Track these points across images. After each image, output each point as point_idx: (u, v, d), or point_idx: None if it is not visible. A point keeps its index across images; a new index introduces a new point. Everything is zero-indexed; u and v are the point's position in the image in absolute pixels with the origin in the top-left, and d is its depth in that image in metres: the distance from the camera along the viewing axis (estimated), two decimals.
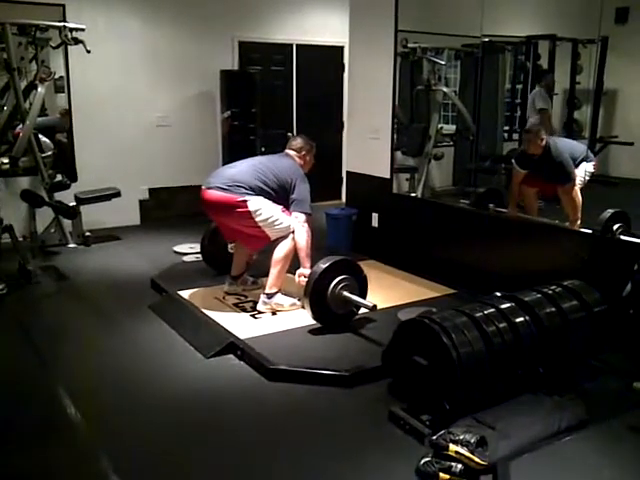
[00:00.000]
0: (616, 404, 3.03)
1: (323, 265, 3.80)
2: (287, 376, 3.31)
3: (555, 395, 2.96)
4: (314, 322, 3.93)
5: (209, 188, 4.08)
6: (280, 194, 4.11)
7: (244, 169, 4.12)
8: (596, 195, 4.38)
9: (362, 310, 3.92)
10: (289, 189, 4.13)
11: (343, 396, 3.17)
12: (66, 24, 5.48)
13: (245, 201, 3.96)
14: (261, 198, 4.01)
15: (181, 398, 3.18)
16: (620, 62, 4.38)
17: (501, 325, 2.94)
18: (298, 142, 4.38)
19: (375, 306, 3.76)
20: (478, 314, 2.95)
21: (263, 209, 4.00)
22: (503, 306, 3.07)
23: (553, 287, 3.31)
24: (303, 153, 4.35)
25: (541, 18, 4.97)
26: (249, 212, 3.98)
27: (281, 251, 4.10)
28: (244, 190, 3.99)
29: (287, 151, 4.36)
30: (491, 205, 4.75)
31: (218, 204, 4.05)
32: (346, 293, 3.81)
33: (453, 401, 2.74)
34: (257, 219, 4.00)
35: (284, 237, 4.10)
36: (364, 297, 3.93)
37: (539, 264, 4.11)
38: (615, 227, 3.84)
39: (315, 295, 3.77)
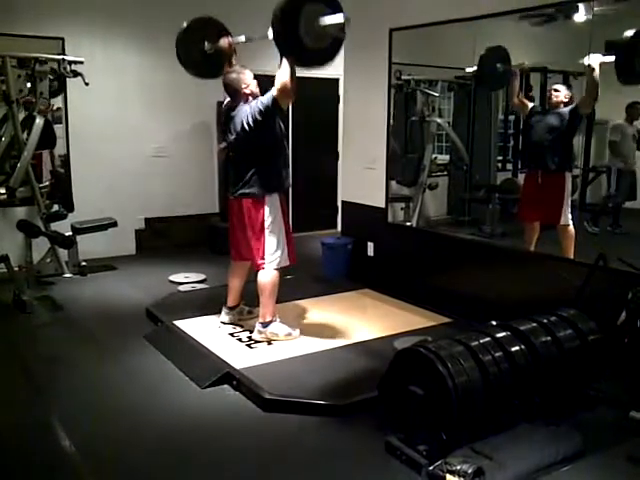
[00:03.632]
0: (613, 434, 3.02)
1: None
2: (283, 407, 3.29)
3: (552, 425, 2.94)
4: (309, 351, 3.93)
5: None
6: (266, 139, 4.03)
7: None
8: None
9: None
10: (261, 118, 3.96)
11: (339, 426, 3.16)
12: (65, 57, 5.55)
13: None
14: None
15: (176, 430, 3.15)
16: (611, 94, 4.45)
17: (497, 354, 2.94)
18: (231, 79, 4.11)
19: (348, 17, 3.48)
20: (474, 343, 2.95)
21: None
22: (499, 335, 3.06)
23: (548, 316, 3.31)
24: (243, 87, 4.10)
25: (533, 51, 5.06)
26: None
27: (265, 276, 4.12)
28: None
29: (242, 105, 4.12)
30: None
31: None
32: (320, 21, 3.51)
33: (450, 431, 2.73)
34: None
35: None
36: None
37: (534, 293, 4.13)
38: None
39: (284, 28, 3.48)
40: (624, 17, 3.97)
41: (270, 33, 3.60)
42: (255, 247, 4.12)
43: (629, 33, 3.75)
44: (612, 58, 3.80)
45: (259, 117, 3.95)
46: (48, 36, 5.99)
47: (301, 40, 3.53)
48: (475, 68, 5.03)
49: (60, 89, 6.00)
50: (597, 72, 4.06)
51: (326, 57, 3.74)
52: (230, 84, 4.13)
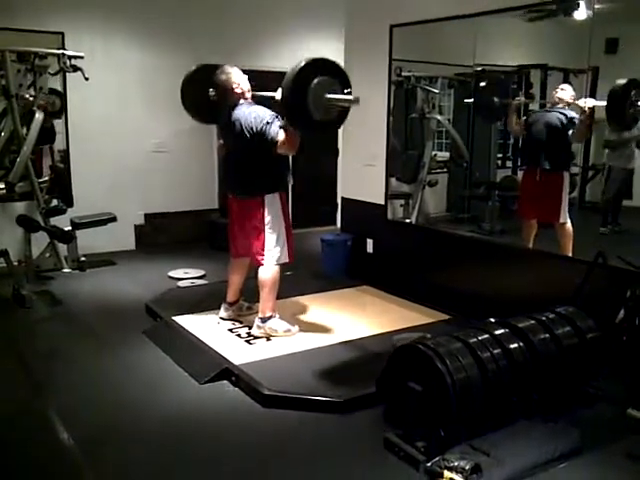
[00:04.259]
0: (611, 431, 3.02)
1: (298, 67, 3.53)
2: (281, 402, 3.30)
3: (550, 422, 2.95)
4: (308, 347, 3.93)
5: None
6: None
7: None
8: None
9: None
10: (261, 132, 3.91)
11: (337, 422, 3.16)
12: (65, 52, 5.54)
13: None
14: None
15: (175, 425, 3.16)
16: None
17: (495, 351, 2.94)
18: (220, 81, 4.08)
19: (358, 98, 3.55)
20: (472, 340, 2.96)
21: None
22: (497, 332, 3.07)
23: (547, 313, 3.32)
24: (234, 86, 4.08)
25: (533, 48, 5.05)
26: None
27: (265, 272, 4.12)
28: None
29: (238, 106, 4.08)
30: None
31: None
32: (329, 95, 3.56)
33: (448, 427, 2.73)
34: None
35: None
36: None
37: (533, 290, 4.13)
38: None
39: (294, 99, 3.52)
40: (624, 13, 3.98)
41: (278, 94, 3.70)
42: (254, 244, 4.12)
43: (621, 82, 3.88)
44: (604, 103, 3.94)
45: (254, 133, 3.92)
46: (48, 31, 5.98)
47: (309, 113, 3.56)
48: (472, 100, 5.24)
49: (61, 111, 6.02)
50: (590, 113, 4.20)
51: (331, 127, 3.83)
52: (220, 85, 4.10)
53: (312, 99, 3.53)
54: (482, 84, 5.04)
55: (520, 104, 5.03)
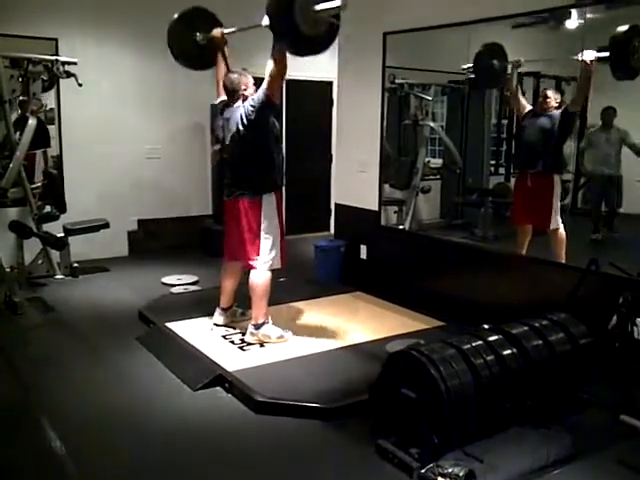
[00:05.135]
0: (604, 437, 3.03)
1: None
2: (274, 409, 3.29)
3: (543, 428, 2.95)
4: (302, 354, 3.93)
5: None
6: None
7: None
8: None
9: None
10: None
11: (331, 429, 3.16)
12: (58, 58, 5.53)
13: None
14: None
15: (167, 432, 3.15)
16: (603, 99, 4.49)
17: (489, 357, 2.95)
18: (232, 79, 4.13)
19: (346, 2, 3.42)
20: (466, 346, 2.96)
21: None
22: (491, 339, 3.08)
23: (540, 320, 3.33)
24: (243, 88, 4.12)
25: (525, 56, 5.08)
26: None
27: (257, 277, 4.13)
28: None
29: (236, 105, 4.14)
30: None
31: None
32: (317, 7, 3.48)
33: (441, 434, 2.73)
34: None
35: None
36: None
37: (526, 296, 4.14)
38: None
39: (280, 13, 3.46)
40: (615, 22, 4.01)
41: (265, 20, 3.61)
42: (249, 248, 4.12)
43: (623, 28, 3.79)
44: (607, 54, 3.83)
45: (252, 115, 3.97)
46: (42, 36, 5.97)
47: (297, 25, 3.49)
48: (471, 65, 5.03)
49: (52, 84, 5.95)
50: (590, 68, 4.08)
51: (321, 44, 3.74)
52: (231, 84, 4.14)
53: (299, 11, 3.46)
54: (479, 50, 4.87)
55: (520, 65, 4.82)
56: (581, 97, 4.42)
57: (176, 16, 4.38)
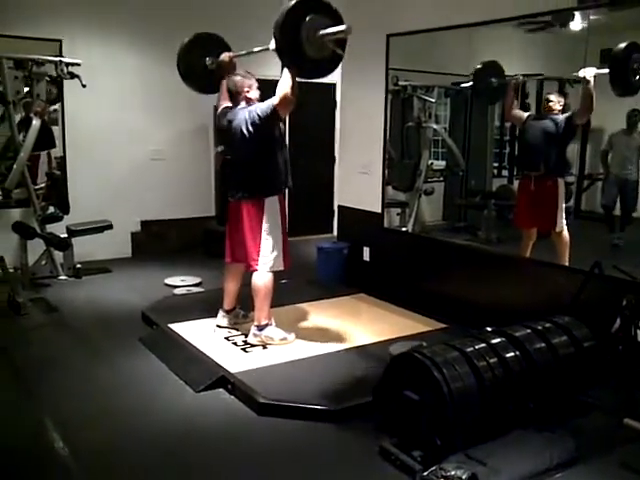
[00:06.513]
0: (607, 440, 3.02)
1: (288, 7, 3.53)
2: (277, 411, 3.29)
3: (546, 431, 2.95)
4: (304, 355, 3.92)
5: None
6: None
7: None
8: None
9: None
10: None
11: (333, 431, 3.16)
12: (62, 59, 5.54)
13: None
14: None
15: (170, 434, 3.15)
16: (606, 101, 4.48)
17: (492, 360, 2.94)
18: (235, 80, 4.15)
19: (350, 27, 3.51)
20: (469, 349, 2.96)
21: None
22: (494, 341, 3.08)
23: (543, 322, 3.33)
24: (246, 89, 4.15)
25: (529, 58, 5.09)
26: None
27: (259, 278, 4.13)
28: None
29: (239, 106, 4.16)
30: None
31: None
32: (322, 31, 3.55)
33: (444, 436, 2.73)
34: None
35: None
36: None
37: (530, 299, 4.14)
38: None
39: (286, 37, 3.53)
40: (619, 24, 4.01)
41: (272, 44, 3.68)
42: (251, 249, 4.13)
43: (622, 45, 3.81)
44: (606, 70, 3.85)
45: (258, 122, 3.98)
46: (46, 38, 5.99)
47: (303, 50, 3.57)
48: (470, 84, 5.11)
49: (59, 97, 6.00)
50: (592, 84, 4.08)
51: (327, 68, 3.80)
52: (234, 85, 4.16)
53: (305, 36, 3.53)
54: (479, 67, 4.93)
55: (518, 82, 4.89)
56: (585, 112, 4.41)
57: (186, 40, 4.44)
